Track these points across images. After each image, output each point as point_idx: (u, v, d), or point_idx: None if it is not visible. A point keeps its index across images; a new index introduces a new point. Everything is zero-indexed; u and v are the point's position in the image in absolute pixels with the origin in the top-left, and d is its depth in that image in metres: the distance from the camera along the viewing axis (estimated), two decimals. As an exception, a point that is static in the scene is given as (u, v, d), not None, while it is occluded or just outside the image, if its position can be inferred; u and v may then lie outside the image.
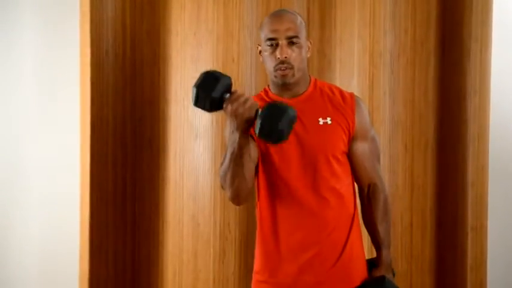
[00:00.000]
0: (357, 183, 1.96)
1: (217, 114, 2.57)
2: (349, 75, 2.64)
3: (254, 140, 1.80)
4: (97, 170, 2.57)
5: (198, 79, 1.65)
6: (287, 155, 1.83)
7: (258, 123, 1.61)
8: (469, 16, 2.70)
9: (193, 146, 2.60)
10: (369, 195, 1.95)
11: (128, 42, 2.66)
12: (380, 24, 2.66)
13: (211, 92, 1.62)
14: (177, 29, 2.62)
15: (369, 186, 1.94)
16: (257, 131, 1.62)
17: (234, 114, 1.63)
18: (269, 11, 2.57)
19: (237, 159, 1.71)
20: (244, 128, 1.66)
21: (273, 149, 1.83)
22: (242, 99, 1.63)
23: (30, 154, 2.78)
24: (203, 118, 2.59)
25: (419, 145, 2.76)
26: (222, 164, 1.78)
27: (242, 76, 2.58)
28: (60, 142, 2.76)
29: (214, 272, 2.59)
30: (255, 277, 1.93)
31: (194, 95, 1.63)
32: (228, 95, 1.65)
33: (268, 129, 1.60)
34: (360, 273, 1.89)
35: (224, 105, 1.65)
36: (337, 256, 1.84)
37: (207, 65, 2.57)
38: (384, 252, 1.94)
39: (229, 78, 1.66)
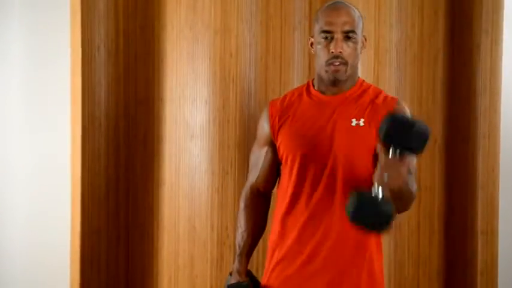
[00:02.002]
0: None
1: (214, 113, 2.54)
2: (353, 71, 2.57)
3: (275, 145, 1.83)
4: (88, 172, 2.54)
5: None
6: (311, 152, 1.79)
7: None
8: (479, 8, 2.65)
9: (189, 146, 2.56)
10: None
11: (121, 38, 2.61)
12: (385, 18, 2.61)
13: None
14: (172, 23, 2.57)
15: None
16: None
17: None
18: (269, 3, 2.56)
19: None
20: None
21: (297, 145, 1.81)
22: None
23: (19, 156, 2.74)
24: (199, 117, 2.55)
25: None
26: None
27: (241, 73, 2.53)
28: (50, 143, 2.72)
29: (211, 278, 2.56)
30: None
31: None
32: None
33: None
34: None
35: None
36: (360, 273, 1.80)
37: (204, 60, 2.52)
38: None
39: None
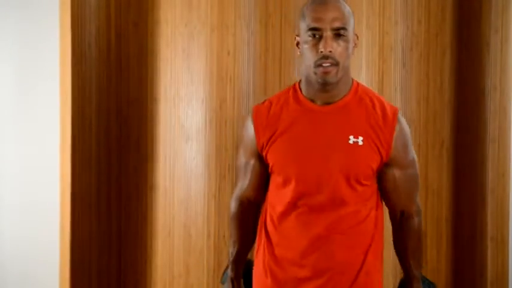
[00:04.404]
0: (388, 207, 1.81)
1: (211, 114, 2.52)
2: (356, 69, 2.54)
3: (264, 162, 1.74)
4: (79, 176, 2.50)
5: None
6: (305, 172, 1.67)
7: None
8: (488, 5, 2.61)
9: (185, 149, 2.54)
10: (401, 222, 1.79)
11: (113, 34, 2.61)
12: (390, 14, 2.57)
13: None
14: (166, 20, 2.56)
15: (402, 212, 1.79)
16: None
17: None
18: (268, 0, 2.55)
19: None
20: None
21: (289, 166, 1.69)
22: None
23: (6, 160, 2.69)
24: (195, 118, 2.53)
25: (434, 147, 2.67)
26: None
27: (238, 71, 2.51)
28: (39, 146, 2.67)
29: (208, 287, 2.55)
30: None
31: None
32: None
33: None
34: None
35: None
36: (350, 283, 1.70)
37: (200, 59, 2.50)
38: (415, 286, 1.80)
39: None
